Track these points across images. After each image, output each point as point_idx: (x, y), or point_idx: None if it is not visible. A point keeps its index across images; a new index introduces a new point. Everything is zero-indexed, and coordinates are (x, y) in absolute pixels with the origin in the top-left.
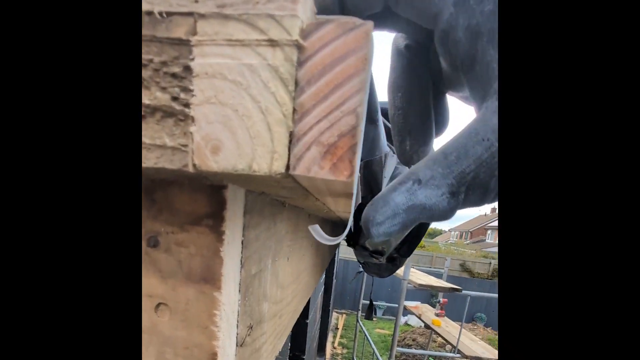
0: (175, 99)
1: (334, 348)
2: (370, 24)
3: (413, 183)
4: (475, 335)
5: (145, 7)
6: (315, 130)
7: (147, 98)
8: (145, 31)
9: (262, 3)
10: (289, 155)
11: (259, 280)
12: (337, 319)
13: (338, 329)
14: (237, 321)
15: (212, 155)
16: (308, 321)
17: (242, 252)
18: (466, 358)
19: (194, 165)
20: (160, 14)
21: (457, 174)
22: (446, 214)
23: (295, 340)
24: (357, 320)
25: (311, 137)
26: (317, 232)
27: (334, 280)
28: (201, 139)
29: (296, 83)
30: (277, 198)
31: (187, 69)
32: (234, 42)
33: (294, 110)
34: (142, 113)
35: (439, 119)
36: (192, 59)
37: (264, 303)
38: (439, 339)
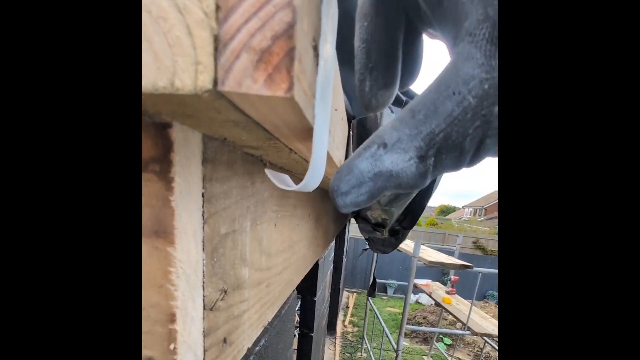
0: None
1: (345, 326)
2: None
3: (378, 147)
4: (486, 313)
5: None
6: (244, 33)
7: None
8: None
9: None
10: (216, 66)
11: (233, 241)
12: (348, 297)
13: (349, 307)
14: (203, 282)
15: None
16: (316, 299)
17: (203, 206)
18: (476, 335)
19: None
20: None
21: (425, 135)
22: (416, 181)
23: (303, 317)
24: (367, 299)
25: (240, 42)
26: (275, 176)
27: (344, 259)
28: None
29: None
30: (251, 151)
31: None
32: None
33: (217, 7)
34: None
35: (409, 63)
36: None
37: (243, 268)
38: (450, 316)
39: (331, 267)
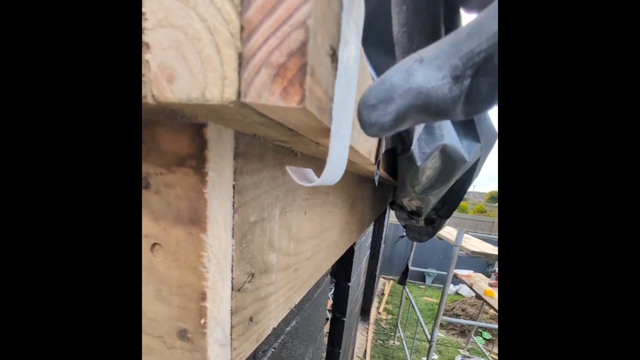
0: None
1: (379, 313)
2: None
3: (414, 62)
4: None
5: None
6: (263, 50)
7: None
8: None
9: None
10: (240, 80)
11: (262, 229)
12: (384, 284)
13: (384, 294)
14: (232, 266)
15: (168, 84)
16: (350, 284)
17: (234, 197)
18: None
19: (153, 96)
20: None
21: (464, 54)
22: (446, 104)
23: (336, 302)
24: (404, 287)
25: (260, 59)
26: (296, 172)
27: (382, 245)
28: (157, 68)
29: None
30: (281, 144)
31: None
32: None
33: (242, 27)
34: None
35: None
36: None
37: (271, 253)
38: (491, 310)
39: (368, 253)
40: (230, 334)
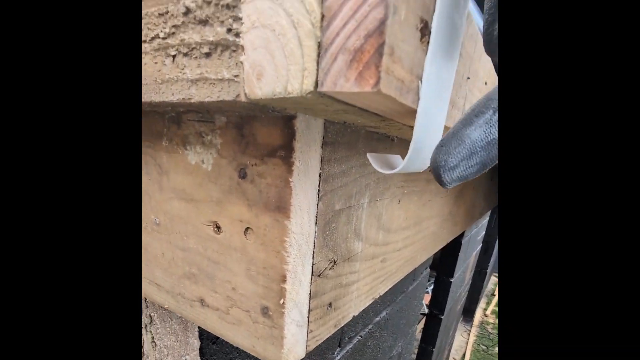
0: (229, 30)
1: (485, 316)
2: None
3: (494, 112)
4: None
5: None
6: (341, 36)
7: (212, 35)
8: None
9: None
10: (317, 70)
11: (347, 217)
12: (496, 284)
13: (494, 295)
14: (313, 252)
15: (257, 81)
16: (453, 280)
17: (319, 185)
18: None
19: (245, 94)
20: None
21: None
22: None
23: (435, 297)
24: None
25: (338, 45)
26: (379, 159)
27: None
28: (249, 67)
29: None
30: (373, 130)
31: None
32: None
33: (322, 16)
34: (208, 50)
35: None
36: None
37: (356, 242)
38: None
39: (479, 247)
40: (308, 317)
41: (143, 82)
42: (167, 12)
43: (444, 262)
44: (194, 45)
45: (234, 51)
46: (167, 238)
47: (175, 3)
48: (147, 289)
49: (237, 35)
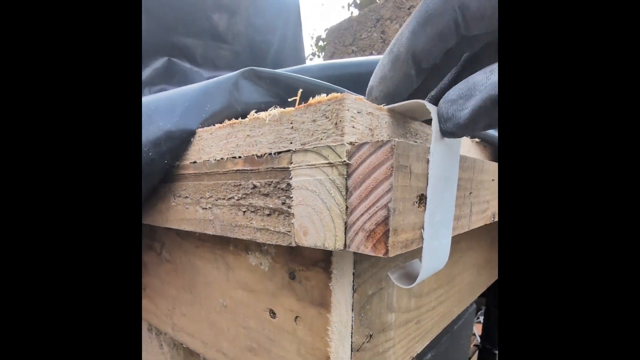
0: (283, 203)
1: None
2: (393, 141)
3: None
4: None
5: (264, 150)
6: (360, 221)
7: (271, 203)
8: (267, 165)
9: (324, 139)
10: (345, 237)
11: (379, 297)
12: None
13: None
14: (352, 333)
15: (303, 236)
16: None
17: (353, 282)
18: None
19: (295, 242)
20: (273, 154)
21: None
22: None
23: (486, 330)
24: None
25: (358, 226)
26: (400, 275)
27: None
28: (298, 227)
29: (346, 189)
30: None
31: (289, 185)
32: (311, 166)
33: (347, 207)
34: (269, 212)
35: None
36: (291, 179)
37: (389, 314)
38: None
39: None
40: None
41: (220, 222)
42: (240, 185)
43: (493, 290)
44: (258, 207)
45: (287, 216)
46: (232, 317)
47: (246, 180)
48: (215, 356)
49: (289, 207)
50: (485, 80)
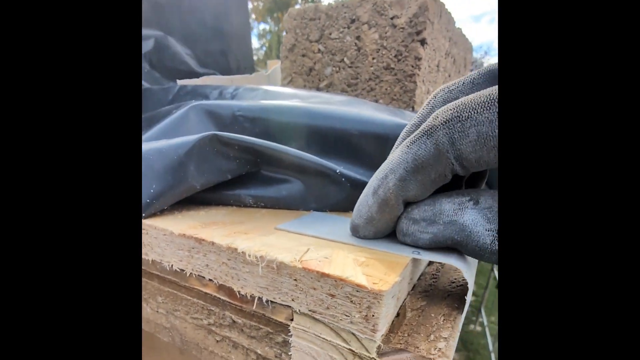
0: (277, 357)
1: None
2: None
3: (469, 201)
4: None
5: (251, 291)
6: None
7: (260, 349)
8: (256, 309)
9: (345, 322)
10: None
11: None
12: None
13: None
14: None
15: None
16: None
17: None
18: None
19: None
20: (265, 301)
21: None
22: (483, 253)
23: None
24: (492, 268)
25: None
26: None
27: None
28: None
29: None
30: None
31: (286, 342)
32: (322, 339)
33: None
34: (255, 357)
35: None
36: (290, 336)
37: None
38: None
39: None
40: None
41: (181, 336)
42: (212, 310)
43: None
44: (241, 346)
45: None
46: None
47: (220, 309)
48: None
49: None
50: (453, 214)
